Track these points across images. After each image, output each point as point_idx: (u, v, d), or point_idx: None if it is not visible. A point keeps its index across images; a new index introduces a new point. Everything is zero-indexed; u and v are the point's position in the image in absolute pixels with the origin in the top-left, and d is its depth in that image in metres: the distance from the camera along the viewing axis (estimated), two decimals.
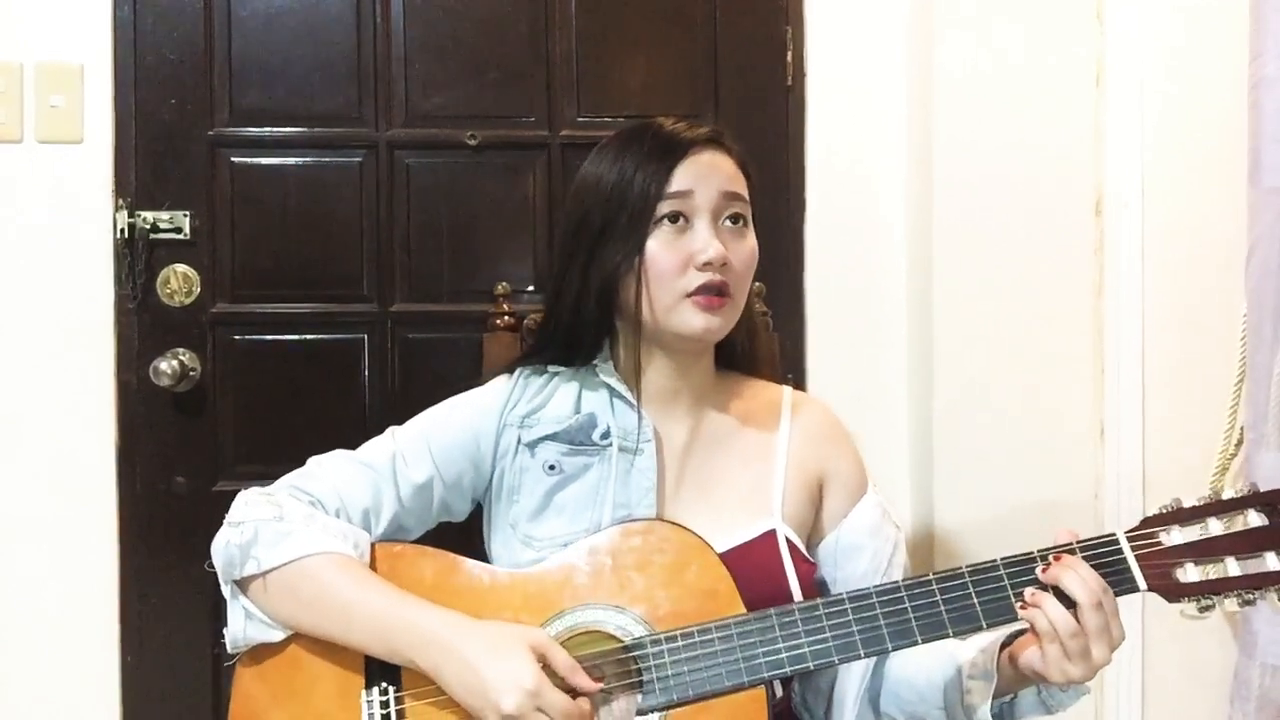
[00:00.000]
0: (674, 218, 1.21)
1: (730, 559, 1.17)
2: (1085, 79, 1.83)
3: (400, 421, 1.32)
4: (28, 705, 1.88)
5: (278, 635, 1.17)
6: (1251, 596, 1.09)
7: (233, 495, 1.22)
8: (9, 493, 1.87)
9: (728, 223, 1.23)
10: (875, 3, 1.96)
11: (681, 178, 1.21)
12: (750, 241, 1.25)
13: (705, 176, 1.22)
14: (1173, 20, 1.80)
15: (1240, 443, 1.70)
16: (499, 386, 1.31)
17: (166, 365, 1.84)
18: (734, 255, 1.22)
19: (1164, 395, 1.82)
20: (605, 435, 1.25)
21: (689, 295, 1.20)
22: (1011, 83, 1.82)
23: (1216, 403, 1.75)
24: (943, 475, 1.83)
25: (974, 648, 1.18)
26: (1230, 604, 1.09)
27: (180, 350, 1.88)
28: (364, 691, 1.14)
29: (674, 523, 1.19)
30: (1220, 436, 1.74)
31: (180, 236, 1.89)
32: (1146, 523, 1.12)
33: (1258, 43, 1.63)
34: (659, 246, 1.21)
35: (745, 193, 1.25)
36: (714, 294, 1.20)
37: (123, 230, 1.87)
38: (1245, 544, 1.09)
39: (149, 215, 1.88)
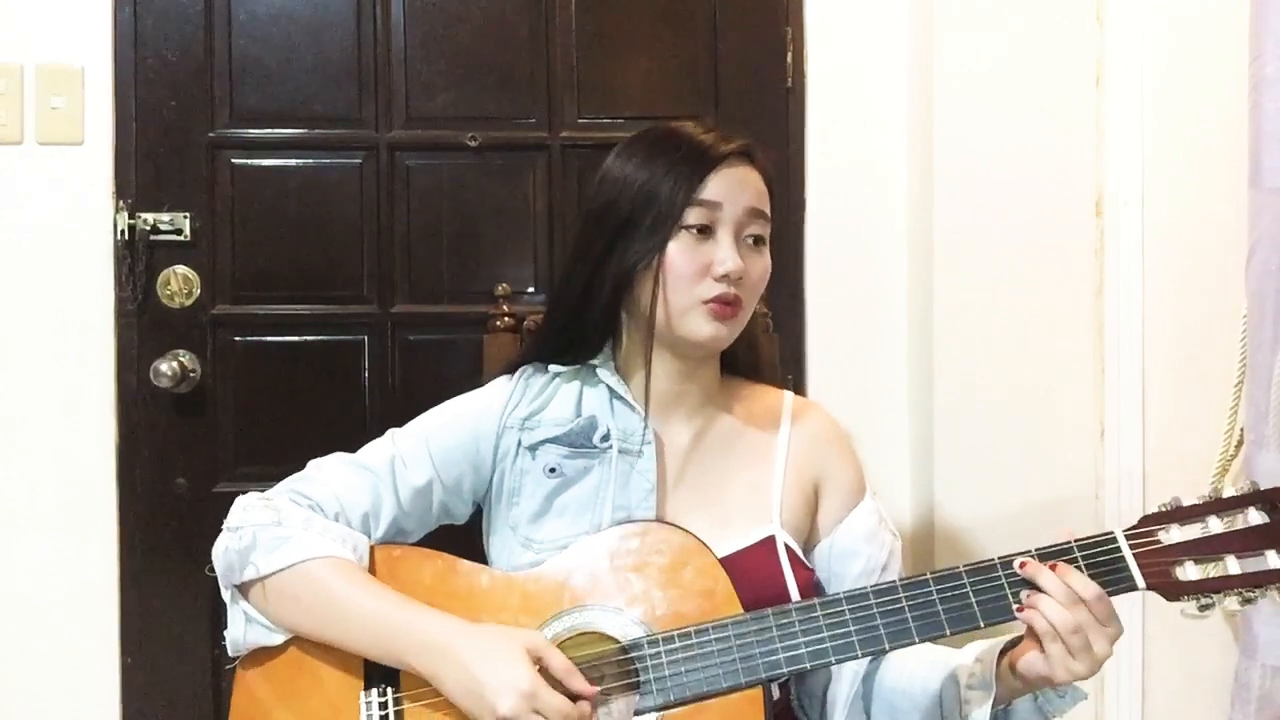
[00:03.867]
0: (699, 229, 1.21)
1: (730, 564, 1.17)
2: (1085, 79, 1.83)
3: (400, 423, 1.32)
4: (28, 706, 1.88)
5: (278, 639, 1.17)
6: (1252, 595, 1.08)
7: (233, 496, 1.23)
8: (9, 494, 1.87)
9: (748, 240, 1.24)
10: (875, 3, 1.96)
11: (713, 188, 1.21)
12: (766, 260, 1.27)
13: (735, 191, 1.22)
14: (1173, 21, 1.80)
15: (1240, 443, 1.70)
16: (499, 388, 1.31)
17: (167, 367, 1.84)
18: (750, 270, 1.23)
19: (1164, 395, 1.82)
20: (606, 438, 1.25)
21: (703, 303, 1.21)
22: (1012, 83, 1.82)
23: (1217, 403, 1.75)
24: (943, 474, 1.83)
25: (970, 656, 1.18)
26: (1231, 603, 1.09)
27: (180, 352, 1.88)
28: (363, 693, 1.14)
29: (671, 524, 1.19)
30: (1220, 437, 1.74)
31: (180, 238, 1.89)
32: (1145, 521, 1.12)
33: (1258, 43, 1.63)
34: (679, 250, 1.21)
35: (769, 211, 1.26)
36: (726, 304, 1.21)
37: (123, 232, 1.87)
38: (1245, 542, 1.09)
39: (149, 217, 1.88)
